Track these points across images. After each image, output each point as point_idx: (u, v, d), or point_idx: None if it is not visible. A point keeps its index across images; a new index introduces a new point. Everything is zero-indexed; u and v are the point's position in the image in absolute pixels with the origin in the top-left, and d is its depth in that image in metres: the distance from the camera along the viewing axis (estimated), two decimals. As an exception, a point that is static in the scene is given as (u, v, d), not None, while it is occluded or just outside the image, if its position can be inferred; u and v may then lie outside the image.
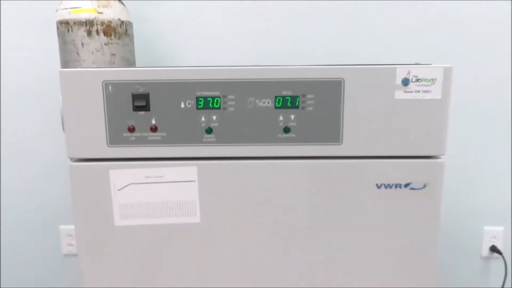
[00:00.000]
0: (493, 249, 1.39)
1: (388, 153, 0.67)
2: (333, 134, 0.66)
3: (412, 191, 0.67)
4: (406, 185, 0.67)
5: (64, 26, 0.96)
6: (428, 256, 0.70)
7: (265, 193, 0.68)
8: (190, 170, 0.67)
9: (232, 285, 0.70)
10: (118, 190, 0.67)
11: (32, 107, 1.33)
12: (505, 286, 1.40)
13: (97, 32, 0.96)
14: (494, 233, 1.39)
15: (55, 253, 1.46)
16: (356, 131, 0.66)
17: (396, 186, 0.67)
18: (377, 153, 0.67)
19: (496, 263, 1.42)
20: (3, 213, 1.41)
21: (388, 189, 0.67)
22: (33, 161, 1.40)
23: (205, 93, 0.65)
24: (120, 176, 0.66)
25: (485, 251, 1.40)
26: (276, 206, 0.68)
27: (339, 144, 0.67)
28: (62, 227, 1.45)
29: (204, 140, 0.67)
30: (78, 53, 0.97)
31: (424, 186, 0.67)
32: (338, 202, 0.68)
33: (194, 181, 0.67)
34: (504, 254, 1.38)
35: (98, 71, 0.65)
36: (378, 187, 0.67)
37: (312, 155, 0.67)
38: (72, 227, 1.47)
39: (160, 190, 0.67)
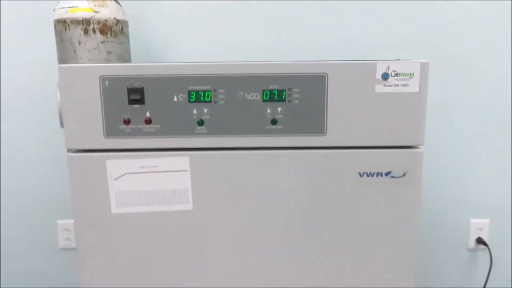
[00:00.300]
0: (479, 241, 1.43)
1: (370, 143, 0.71)
2: (318, 126, 0.70)
3: (393, 179, 0.71)
4: (387, 174, 0.71)
5: (62, 24, 0.99)
6: (409, 242, 0.74)
7: (253, 181, 0.72)
8: (182, 160, 0.70)
9: (224, 269, 0.74)
10: (115, 179, 0.70)
11: (30, 104, 1.35)
12: (490, 277, 1.44)
13: (94, 31, 1.00)
14: (480, 225, 1.44)
15: (52, 247, 1.49)
16: (340, 123, 0.70)
17: (377, 174, 0.71)
18: (359, 143, 0.71)
19: (482, 254, 1.46)
20: (1, 208, 1.44)
21: (370, 177, 0.71)
22: (31, 157, 1.43)
23: (197, 87, 0.69)
24: (116, 166, 0.70)
25: (471, 243, 1.45)
26: (264, 194, 0.72)
27: (323, 135, 0.71)
28: (59, 221, 1.47)
29: (196, 131, 0.70)
30: (75, 51, 1.00)
31: (404, 175, 0.71)
32: (323, 190, 0.72)
33: (187, 170, 0.71)
34: (489, 246, 1.43)
35: (95, 66, 0.69)
36: (361, 175, 0.71)
37: (298, 145, 0.71)
38: (69, 221, 1.50)
39: (154, 179, 0.71)
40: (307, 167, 0.71)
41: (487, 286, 1.44)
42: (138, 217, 0.72)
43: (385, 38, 1.26)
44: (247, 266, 0.74)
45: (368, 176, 0.71)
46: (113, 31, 1.02)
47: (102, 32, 1.01)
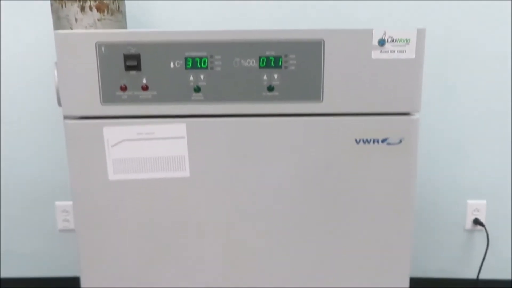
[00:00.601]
0: (476, 221, 1.44)
1: (366, 110, 0.71)
2: (314, 92, 0.70)
3: (389, 146, 0.71)
4: (383, 141, 0.71)
5: (58, 2, 0.98)
6: (405, 210, 0.74)
7: (250, 148, 0.72)
8: (179, 127, 0.70)
9: (220, 235, 0.75)
10: (112, 146, 0.71)
11: (27, 85, 1.35)
12: (486, 258, 1.45)
13: (90, 8, 0.99)
14: (477, 206, 1.45)
15: (51, 229, 1.50)
16: (336, 89, 0.70)
17: (374, 141, 0.71)
18: (356, 110, 0.71)
19: (479, 235, 1.47)
20: (0, 190, 1.44)
21: (367, 144, 0.71)
22: (29, 139, 1.43)
23: (193, 54, 0.69)
24: (113, 133, 0.70)
25: (469, 224, 1.45)
26: (261, 161, 0.72)
27: (320, 102, 0.71)
28: (57, 203, 1.48)
29: (192, 98, 0.70)
30: (71, 28, 1.00)
31: (400, 141, 0.71)
32: (319, 157, 0.72)
33: (184, 137, 0.71)
34: (486, 227, 1.43)
35: (91, 32, 0.69)
36: (357, 142, 0.71)
37: (295, 112, 0.71)
38: (67, 203, 1.51)
39: (151, 146, 0.71)
40: (303, 134, 0.72)
41: (483, 267, 1.45)
42: (135, 185, 0.72)
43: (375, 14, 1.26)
44: (244, 231, 0.75)
45: (364, 143, 0.71)
46: (110, 9, 1.02)
47: (98, 9, 1.01)
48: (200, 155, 0.72)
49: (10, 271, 1.51)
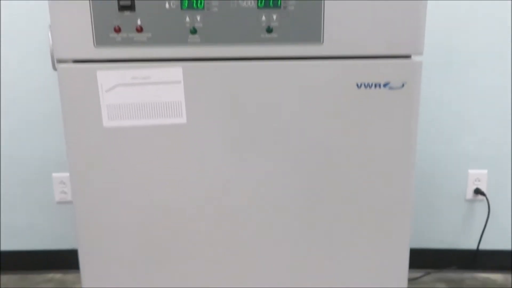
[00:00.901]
0: (477, 191, 1.43)
1: (368, 52, 0.69)
2: (314, 34, 0.68)
3: (391, 90, 0.69)
4: (385, 85, 0.69)
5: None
6: (406, 159, 0.72)
7: (248, 93, 0.70)
8: (175, 71, 0.68)
9: (218, 182, 0.73)
10: (106, 91, 0.69)
11: (22, 51, 1.33)
12: (487, 228, 1.44)
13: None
14: (478, 176, 1.43)
15: (48, 201, 1.48)
16: (336, 31, 0.68)
17: (375, 85, 0.69)
18: (357, 53, 0.69)
19: (480, 205, 1.46)
20: (-4, 159, 1.43)
21: (368, 88, 0.69)
22: (26, 111, 1.41)
23: (189, -6, 0.67)
24: (107, 77, 0.68)
25: (469, 194, 1.44)
26: (259, 106, 0.70)
27: (320, 44, 0.69)
28: (54, 175, 1.46)
29: (189, 40, 0.68)
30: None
31: (403, 86, 0.69)
32: (320, 102, 0.70)
33: (180, 82, 0.69)
34: (487, 196, 1.42)
35: (83, -28, 0.66)
36: (358, 86, 0.69)
37: (294, 55, 0.69)
38: (64, 174, 1.49)
39: (147, 91, 0.69)
40: (303, 78, 0.70)
41: (483, 237, 1.44)
42: (130, 132, 0.70)
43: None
44: (242, 179, 0.73)
45: (366, 87, 0.69)
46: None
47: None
48: (197, 100, 0.70)
49: (7, 244, 1.50)
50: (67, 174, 1.42)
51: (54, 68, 0.73)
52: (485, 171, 1.43)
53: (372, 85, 0.69)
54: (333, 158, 0.72)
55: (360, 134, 0.71)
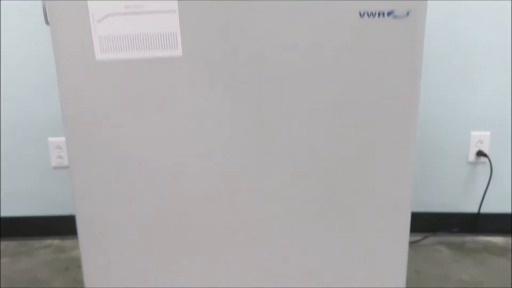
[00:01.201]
0: (480, 153, 1.41)
1: (371, -21, 0.66)
2: (315, -41, 0.65)
3: (395, 20, 0.66)
4: (389, 14, 0.66)
5: None
6: (411, 91, 0.70)
7: (246, 26, 0.67)
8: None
9: (214, 118, 0.70)
10: (98, 21, 0.66)
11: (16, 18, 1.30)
12: (489, 191, 1.42)
13: None
14: (481, 138, 1.41)
15: (45, 166, 1.46)
16: (339, -45, 0.65)
17: (379, 14, 0.66)
18: (359, -21, 0.66)
19: (482, 168, 1.44)
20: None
21: (371, 17, 0.66)
22: (20, 75, 1.38)
23: None
24: (98, 6, 0.65)
25: (472, 156, 1.42)
26: (258, 40, 0.67)
27: (321, -31, 0.66)
28: (50, 139, 1.44)
29: (183, -34, 0.65)
30: None
31: (408, 14, 0.66)
32: (319, 33, 0.67)
33: (175, 11, 0.66)
34: (490, 158, 1.40)
35: None
36: (361, 15, 0.66)
37: (294, -18, 0.66)
38: (60, 139, 1.46)
39: (140, 22, 0.66)
40: (302, 6, 0.66)
41: (484, 200, 1.42)
42: (124, 65, 0.68)
43: None
44: (240, 115, 0.71)
45: (369, 16, 0.66)
46: None
47: None
48: (193, 31, 0.67)
49: (5, 211, 1.48)
50: (63, 139, 1.40)
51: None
52: (487, 133, 1.41)
53: (375, 13, 0.66)
54: (334, 85, 0.69)
55: (362, 65, 0.68)
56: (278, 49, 0.68)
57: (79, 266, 1.30)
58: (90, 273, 0.77)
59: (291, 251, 0.74)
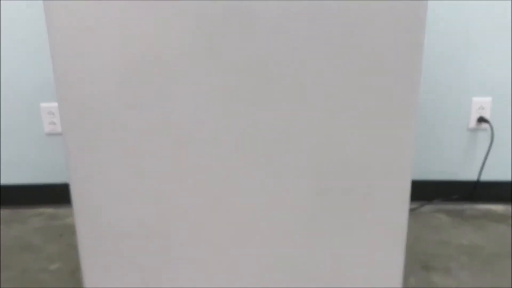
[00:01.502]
0: (481, 119, 1.39)
1: None
2: None
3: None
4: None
5: None
6: (414, 48, 0.66)
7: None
8: None
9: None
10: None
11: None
12: (489, 157, 1.41)
13: None
14: (482, 104, 1.39)
15: (38, 133, 1.42)
16: None
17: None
18: None
19: (482, 135, 1.42)
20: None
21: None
22: (11, 39, 1.34)
23: None
24: None
25: (472, 122, 1.40)
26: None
27: None
28: (43, 104, 1.40)
29: None
30: None
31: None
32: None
33: None
34: (491, 123, 1.38)
35: None
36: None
37: None
38: (53, 104, 1.42)
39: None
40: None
41: (484, 168, 1.41)
42: (119, 26, 0.63)
43: None
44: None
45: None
46: None
47: None
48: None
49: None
50: (56, 104, 1.37)
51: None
52: (489, 99, 1.38)
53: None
54: (335, 47, 0.66)
55: (361, 28, 0.64)
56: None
57: (73, 233, 1.28)
58: (84, 238, 0.74)
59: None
